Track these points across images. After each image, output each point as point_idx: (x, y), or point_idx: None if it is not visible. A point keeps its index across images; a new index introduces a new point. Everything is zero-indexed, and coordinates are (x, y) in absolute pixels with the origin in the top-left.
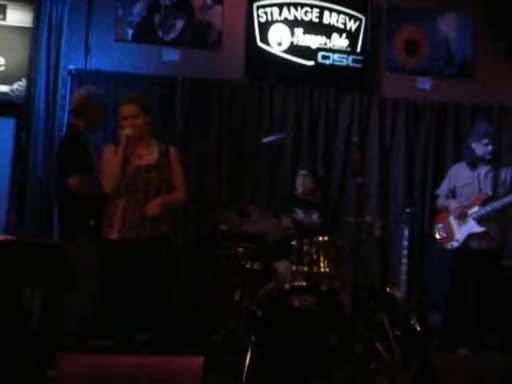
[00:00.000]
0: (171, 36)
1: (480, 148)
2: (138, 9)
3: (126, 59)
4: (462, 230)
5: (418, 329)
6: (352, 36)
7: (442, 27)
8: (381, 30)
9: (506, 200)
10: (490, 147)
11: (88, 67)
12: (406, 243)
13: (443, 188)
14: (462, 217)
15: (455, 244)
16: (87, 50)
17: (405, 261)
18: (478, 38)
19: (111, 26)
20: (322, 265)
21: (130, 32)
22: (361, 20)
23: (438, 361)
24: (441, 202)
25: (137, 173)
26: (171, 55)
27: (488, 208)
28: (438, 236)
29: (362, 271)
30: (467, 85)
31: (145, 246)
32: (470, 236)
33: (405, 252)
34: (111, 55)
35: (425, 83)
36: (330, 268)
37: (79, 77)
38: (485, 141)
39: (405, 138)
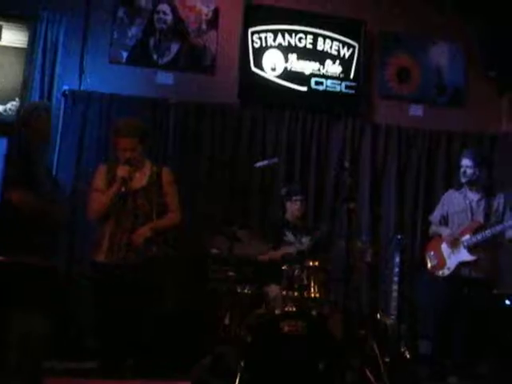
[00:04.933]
0: (165, 59)
1: (459, 171)
2: (133, 32)
3: (120, 81)
4: (453, 258)
5: (408, 356)
6: (345, 63)
7: (434, 56)
8: (374, 58)
9: (497, 228)
10: (462, 169)
11: (82, 88)
12: (396, 270)
13: (436, 215)
14: (455, 244)
15: (446, 272)
16: (81, 72)
17: (395, 287)
18: (470, 67)
19: (106, 48)
20: (312, 290)
21: (125, 54)
22: (354, 47)
23: None
24: (434, 228)
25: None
26: (165, 78)
27: (479, 236)
28: (429, 264)
29: (352, 297)
30: (458, 113)
31: (132, 269)
32: (461, 264)
33: (395, 278)
34: (105, 77)
35: (417, 111)
36: (321, 293)
37: (73, 98)
38: (461, 163)
39: (397, 164)
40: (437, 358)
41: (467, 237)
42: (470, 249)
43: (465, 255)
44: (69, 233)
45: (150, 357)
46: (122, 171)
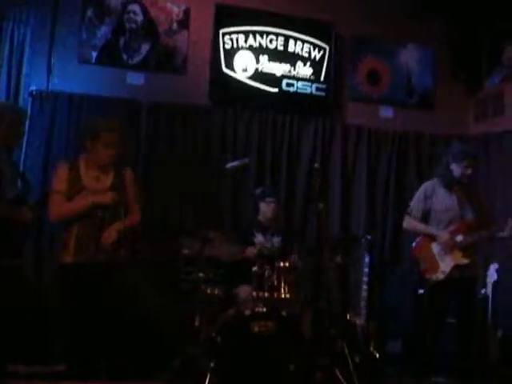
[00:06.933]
0: (136, 59)
1: (459, 170)
2: (102, 31)
3: (90, 81)
4: (448, 261)
5: (377, 356)
6: (316, 65)
7: (403, 58)
8: (344, 60)
9: (494, 230)
10: (469, 170)
11: (50, 88)
12: (366, 270)
13: (418, 209)
14: (449, 246)
15: (441, 276)
16: (49, 72)
17: (365, 287)
18: (438, 69)
19: (75, 48)
20: (282, 291)
21: (94, 54)
22: (325, 49)
23: None
24: (419, 227)
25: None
26: (136, 79)
27: (475, 236)
28: (421, 266)
29: (322, 297)
30: (427, 115)
31: (101, 269)
32: (455, 267)
33: (365, 279)
34: (74, 77)
35: (387, 112)
36: (291, 294)
37: (40, 98)
38: (465, 163)
39: (367, 165)
40: (429, 357)
41: (461, 237)
42: (465, 250)
43: (460, 258)
44: (36, 235)
45: (118, 359)
46: (105, 198)
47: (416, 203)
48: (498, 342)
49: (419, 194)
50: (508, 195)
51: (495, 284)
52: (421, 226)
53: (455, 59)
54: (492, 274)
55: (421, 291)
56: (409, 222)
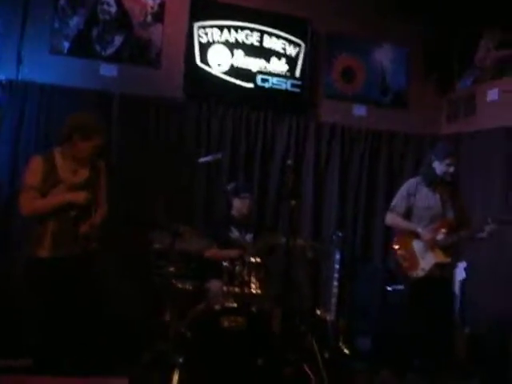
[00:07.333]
0: (109, 51)
1: (441, 168)
2: (75, 22)
3: (61, 72)
4: (428, 259)
5: (347, 352)
6: (291, 61)
7: (378, 57)
8: (319, 57)
9: (475, 231)
10: (451, 169)
11: (20, 78)
12: (337, 266)
13: (401, 205)
14: (431, 243)
15: (421, 273)
16: (19, 61)
17: (336, 284)
18: (412, 69)
19: (46, 38)
20: (253, 286)
21: (67, 45)
22: (300, 46)
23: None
24: (401, 224)
25: (70, 191)
26: (109, 70)
27: (455, 237)
28: (402, 263)
29: (293, 293)
30: (401, 114)
31: (77, 262)
32: (435, 265)
33: (336, 275)
34: (45, 67)
35: (360, 110)
36: (261, 289)
37: (10, 87)
38: (447, 161)
39: (339, 162)
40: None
41: (442, 236)
42: (445, 249)
43: (441, 257)
44: (6, 230)
45: (87, 353)
46: (78, 197)
47: (399, 200)
48: (466, 338)
49: (402, 191)
50: (477, 194)
51: (463, 282)
52: (404, 223)
53: (428, 59)
54: (460, 272)
55: (389, 288)
56: (392, 218)
